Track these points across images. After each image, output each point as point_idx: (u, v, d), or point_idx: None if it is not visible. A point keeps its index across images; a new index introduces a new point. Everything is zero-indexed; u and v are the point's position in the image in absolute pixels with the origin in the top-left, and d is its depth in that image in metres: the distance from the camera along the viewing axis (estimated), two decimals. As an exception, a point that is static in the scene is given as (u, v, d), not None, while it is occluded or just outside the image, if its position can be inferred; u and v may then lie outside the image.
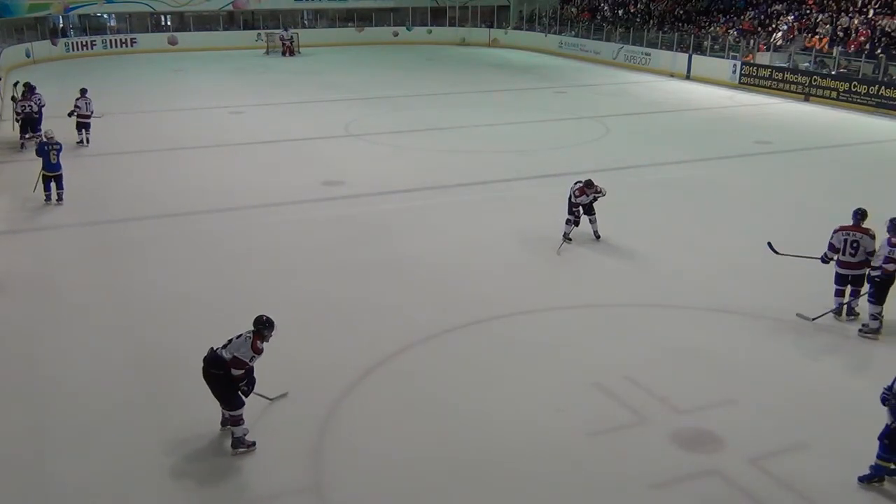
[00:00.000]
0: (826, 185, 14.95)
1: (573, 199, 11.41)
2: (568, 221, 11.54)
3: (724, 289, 10.11)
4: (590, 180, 11.34)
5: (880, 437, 6.24)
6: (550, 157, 17.22)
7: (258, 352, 6.71)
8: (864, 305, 9.04)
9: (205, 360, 6.77)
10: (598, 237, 11.67)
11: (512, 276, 10.66)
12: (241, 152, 17.66)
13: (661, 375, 7.99)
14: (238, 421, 6.75)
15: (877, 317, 8.74)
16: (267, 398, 7.42)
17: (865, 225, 8.95)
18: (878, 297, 8.68)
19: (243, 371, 6.70)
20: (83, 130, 17.85)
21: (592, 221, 11.64)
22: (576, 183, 11.43)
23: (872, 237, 8.84)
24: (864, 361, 8.59)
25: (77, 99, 17.85)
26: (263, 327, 6.78)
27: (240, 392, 6.78)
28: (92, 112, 17.99)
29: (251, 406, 7.34)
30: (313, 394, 7.66)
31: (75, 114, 17.67)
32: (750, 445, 6.83)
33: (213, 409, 7.02)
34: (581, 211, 11.49)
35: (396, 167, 16.45)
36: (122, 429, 7.11)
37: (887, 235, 8.60)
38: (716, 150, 18.06)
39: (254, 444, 6.81)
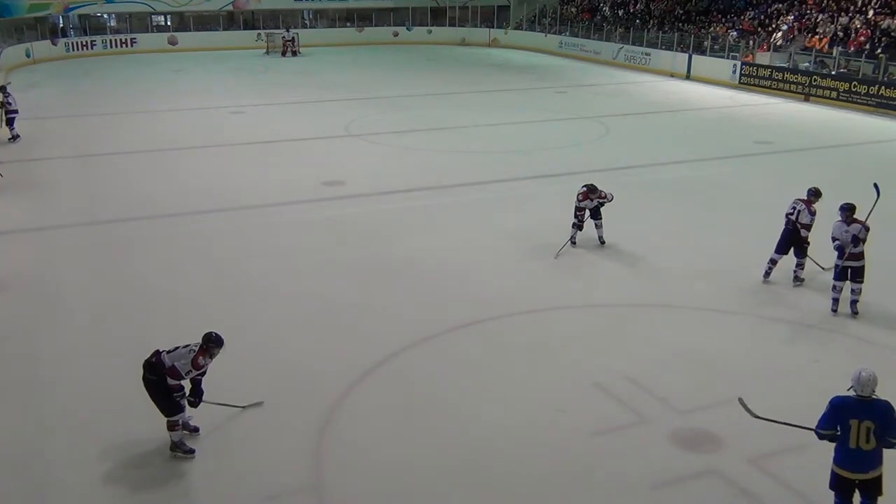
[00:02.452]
0: (826, 185, 14.79)
1: (577, 204, 11.38)
2: (573, 225, 11.50)
3: (723, 289, 10.11)
4: (593, 186, 11.28)
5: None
6: (550, 157, 17.21)
7: (197, 367, 6.55)
8: (869, 305, 9.03)
9: (144, 363, 6.65)
10: (602, 243, 11.60)
11: (512, 276, 10.65)
12: (241, 152, 17.66)
13: (661, 375, 7.99)
14: (174, 426, 6.63)
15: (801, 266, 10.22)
16: (237, 406, 7.32)
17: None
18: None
19: (178, 382, 6.57)
20: (13, 125, 17.99)
21: (598, 227, 11.56)
22: (582, 186, 11.41)
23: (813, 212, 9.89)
24: (865, 361, 8.55)
25: (10, 96, 17.91)
26: (212, 344, 6.59)
27: (186, 401, 6.69)
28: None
29: (251, 409, 7.37)
30: (313, 394, 7.65)
31: (5, 108, 17.85)
32: (750, 445, 6.83)
33: (212, 409, 7.04)
34: (586, 215, 11.45)
35: (396, 167, 16.45)
36: (123, 429, 7.10)
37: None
38: (716, 150, 18.06)
39: (192, 451, 6.71)
